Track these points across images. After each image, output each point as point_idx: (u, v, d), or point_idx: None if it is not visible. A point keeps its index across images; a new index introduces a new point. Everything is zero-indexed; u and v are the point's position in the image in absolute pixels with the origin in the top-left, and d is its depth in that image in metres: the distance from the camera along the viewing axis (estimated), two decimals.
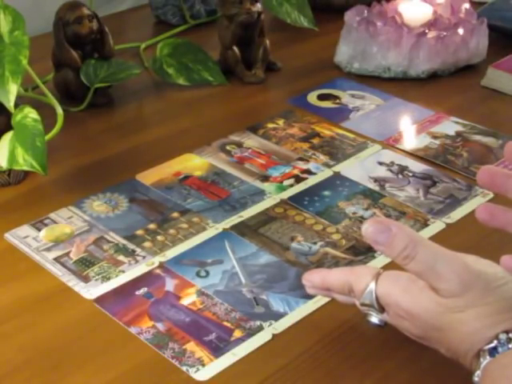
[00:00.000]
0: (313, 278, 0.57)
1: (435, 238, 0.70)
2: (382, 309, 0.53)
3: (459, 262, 0.49)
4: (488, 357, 0.47)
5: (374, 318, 0.53)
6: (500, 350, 0.47)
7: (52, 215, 0.74)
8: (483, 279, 0.49)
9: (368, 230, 0.51)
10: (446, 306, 0.49)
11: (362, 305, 0.54)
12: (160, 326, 0.60)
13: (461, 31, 1.00)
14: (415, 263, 0.50)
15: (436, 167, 0.81)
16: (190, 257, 0.68)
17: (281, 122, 0.91)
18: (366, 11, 1.03)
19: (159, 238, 0.71)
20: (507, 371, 0.46)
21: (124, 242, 0.70)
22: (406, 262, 0.50)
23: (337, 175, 0.80)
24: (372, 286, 0.52)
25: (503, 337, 0.47)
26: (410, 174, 0.80)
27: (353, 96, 0.97)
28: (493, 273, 0.50)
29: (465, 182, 0.78)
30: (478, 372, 0.47)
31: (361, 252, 0.68)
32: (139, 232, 0.71)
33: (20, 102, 0.78)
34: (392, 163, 0.82)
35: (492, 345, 0.47)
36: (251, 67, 1.01)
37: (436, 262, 0.49)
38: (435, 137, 0.87)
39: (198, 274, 0.66)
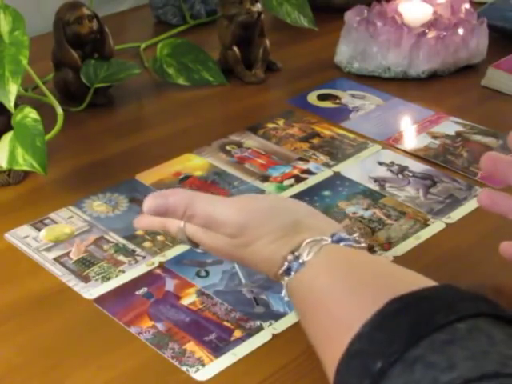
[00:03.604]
0: (154, 201, 0.57)
1: (435, 238, 0.70)
2: (195, 244, 0.58)
3: (234, 207, 0.55)
4: (286, 277, 0.52)
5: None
6: (293, 268, 0.51)
7: (52, 215, 0.74)
8: (257, 216, 0.54)
9: (150, 208, 0.56)
10: (235, 244, 0.54)
11: (181, 240, 0.59)
12: (160, 326, 0.60)
13: (461, 31, 1.00)
14: (197, 219, 0.55)
15: (436, 167, 0.81)
16: (190, 257, 0.68)
17: (281, 122, 0.91)
18: (365, 11, 1.03)
19: (159, 237, 0.71)
20: (304, 287, 0.50)
21: (124, 242, 0.70)
22: (189, 220, 0.56)
23: (337, 175, 0.80)
24: (181, 225, 0.57)
25: (291, 257, 0.51)
26: (410, 174, 0.80)
27: (353, 96, 0.97)
28: (267, 207, 0.55)
29: (465, 181, 0.78)
30: (284, 291, 0.53)
31: None
32: (139, 232, 0.71)
33: (20, 101, 0.78)
34: (392, 163, 0.82)
35: (284, 267, 0.52)
36: (251, 67, 1.01)
37: (214, 212, 0.54)
38: (435, 137, 0.87)
39: (197, 274, 0.66)
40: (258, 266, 0.55)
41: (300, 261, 0.51)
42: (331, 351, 0.45)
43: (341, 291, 0.47)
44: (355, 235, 0.53)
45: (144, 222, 0.60)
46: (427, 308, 0.41)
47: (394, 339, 0.40)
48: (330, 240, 0.52)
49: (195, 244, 0.58)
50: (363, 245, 0.53)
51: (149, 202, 0.56)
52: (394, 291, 0.43)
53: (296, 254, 0.51)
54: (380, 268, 0.50)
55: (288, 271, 0.52)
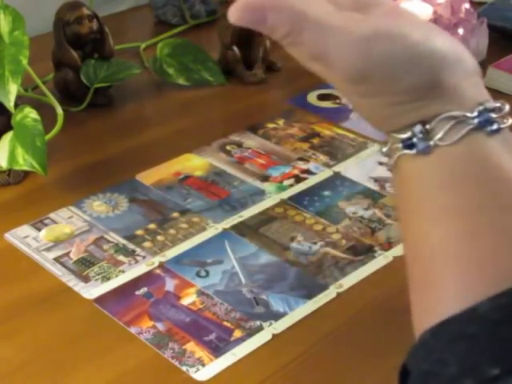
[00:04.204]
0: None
1: None
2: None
3: (357, 47, 0.39)
4: (401, 147, 0.39)
5: None
6: (417, 145, 0.39)
7: (52, 215, 0.74)
8: (387, 68, 0.39)
9: (239, 21, 0.41)
10: (350, 89, 0.41)
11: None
12: (160, 326, 0.60)
13: (461, 31, 1.00)
14: (303, 50, 0.41)
15: None
16: (190, 257, 0.68)
17: (281, 122, 0.91)
18: None
19: (159, 237, 0.71)
20: (425, 189, 0.38)
21: (124, 242, 0.70)
22: (291, 45, 0.41)
23: (337, 175, 0.80)
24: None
25: (418, 128, 0.39)
26: None
27: None
28: (402, 56, 0.39)
29: None
30: (387, 158, 0.41)
31: (361, 252, 0.68)
32: (139, 232, 0.71)
33: (20, 102, 0.78)
34: None
35: (405, 136, 0.39)
36: (251, 67, 1.01)
37: (327, 49, 0.39)
38: None
39: (197, 274, 0.66)
40: (369, 119, 0.42)
41: (430, 142, 0.38)
42: (429, 292, 0.36)
43: (466, 223, 0.36)
44: (505, 108, 0.40)
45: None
46: None
47: None
48: (476, 120, 0.38)
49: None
50: (510, 121, 0.39)
51: (239, 13, 0.41)
52: None
53: (428, 127, 0.38)
54: None
55: (409, 144, 0.39)
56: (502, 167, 0.37)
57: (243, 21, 0.40)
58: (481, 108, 0.38)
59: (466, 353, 0.33)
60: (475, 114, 0.38)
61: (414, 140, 0.39)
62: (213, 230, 0.72)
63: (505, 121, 0.39)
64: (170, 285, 0.65)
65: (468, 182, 0.37)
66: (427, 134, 0.38)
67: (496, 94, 0.97)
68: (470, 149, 0.38)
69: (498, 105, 0.39)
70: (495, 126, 0.38)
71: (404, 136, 0.39)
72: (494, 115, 0.39)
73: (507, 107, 0.39)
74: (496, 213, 0.36)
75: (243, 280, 0.65)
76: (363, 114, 0.42)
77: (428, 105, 0.39)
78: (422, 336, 0.35)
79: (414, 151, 0.39)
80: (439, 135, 0.38)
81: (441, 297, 0.35)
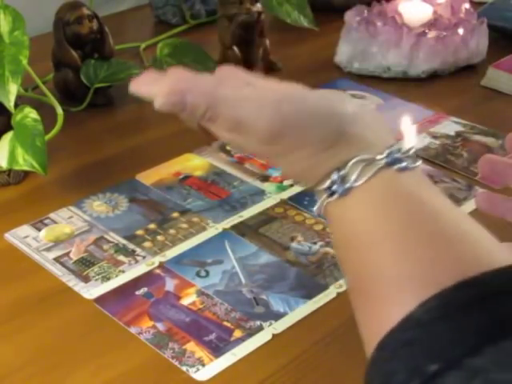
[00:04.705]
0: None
1: None
2: (208, 135, 0.50)
3: (266, 109, 0.44)
4: (325, 196, 0.44)
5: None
6: (337, 191, 0.43)
7: (52, 215, 0.74)
8: (295, 123, 0.44)
9: (163, 106, 0.46)
10: (268, 151, 0.46)
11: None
12: (160, 326, 0.60)
13: (461, 31, 1.00)
14: (221, 123, 0.46)
15: (436, 167, 0.81)
16: (190, 257, 0.68)
17: None
18: (366, 11, 1.03)
19: (159, 237, 0.71)
20: (347, 220, 0.42)
21: (124, 242, 0.70)
22: (211, 121, 0.46)
23: None
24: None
25: (335, 176, 0.43)
26: None
27: (353, 96, 0.97)
28: (306, 112, 0.45)
29: (465, 181, 0.78)
30: (318, 207, 0.45)
31: None
32: (139, 232, 0.71)
33: (20, 101, 0.78)
34: None
35: (325, 185, 0.43)
36: (251, 67, 1.01)
37: (241, 116, 0.45)
38: (435, 137, 0.87)
39: (197, 274, 0.66)
40: (293, 174, 0.48)
41: (347, 185, 0.42)
42: (372, 313, 0.39)
43: (393, 245, 0.40)
44: (411, 151, 0.44)
45: (143, 86, 0.49)
46: (502, 307, 0.35)
47: (459, 340, 0.34)
48: (384, 161, 0.42)
49: (208, 135, 0.49)
50: (419, 163, 0.44)
51: (163, 99, 0.46)
52: (462, 267, 0.37)
53: (342, 173, 0.43)
54: (447, 223, 0.41)
55: (330, 191, 0.43)
56: (413, 193, 0.42)
57: (168, 105, 0.46)
58: (387, 151, 0.43)
59: (408, 357, 0.35)
60: (383, 155, 0.43)
61: (334, 187, 0.43)
62: (213, 230, 0.72)
63: (415, 162, 0.43)
64: (170, 285, 0.65)
65: (386, 211, 0.41)
66: (344, 179, 0.43)
67: (496, 93, 0.97)
68: (382, 183, 0.42)
69: (403, 148, 0.43)
70: (403, 164, 0.43)
71: (325, 186, 0.44)
72: (400, 155, 0.43)
73: (413, 149, 0.44)
74: (416, 231, 0.40)
75: (243, 280, 0.65)
76: (287, 172, 0.47)
77: (339, 152, 0.43)
78: (371, 355, 0.38)
79: (335, 197, 0.43)
80: (353, 177, 0.42)
81: (383, 317, 0.38)
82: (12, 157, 0.74)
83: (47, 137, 0.76)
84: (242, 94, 0.46)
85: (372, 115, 0.47)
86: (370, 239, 0.41)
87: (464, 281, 0.36)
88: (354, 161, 0.43)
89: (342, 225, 0.43)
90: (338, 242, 0.44)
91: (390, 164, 0.42)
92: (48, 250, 0.69)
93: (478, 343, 0.34)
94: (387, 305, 0.38)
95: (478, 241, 0.40)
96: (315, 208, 0.45)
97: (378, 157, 0.42)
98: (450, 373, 0.33)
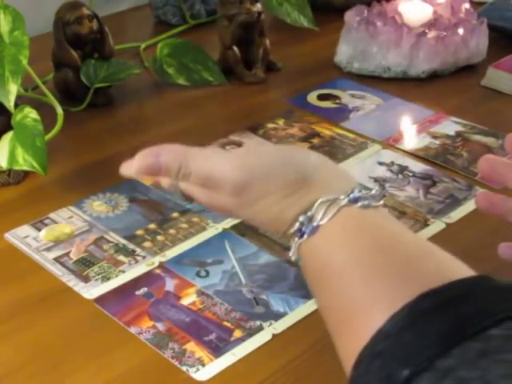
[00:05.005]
0: (146, 159, 0.52)
1: (435, 238, 0.70)
2: (190, 199, 0.53)
3: (233, 163, 0.49)
4: (297, 239, 0.47)
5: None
6: (306, 231, 0.46)
7: (52, 215, 0.74)
8: (259, 173, 0.49)
9: (140, 169, 0.52)
10: (237, 203, 0.49)
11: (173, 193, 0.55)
12: (160, 326, 0.60)
13: (461, 31, 1.00)
14: (194, 178, 0.50)
15: (436, 167, 0.81)
16: (190, 257, 0.68)
17: (281, 122, 0.91)
18: (366, 11, 1.03)
19: (159, 237, 0.71)
20: (318, 256, 0.46)
21: (124, 242, 0.70)
22: (184, 178, 0.51)
23: None
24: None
25: (303, 218, 0.46)
26: (410, 174, 0.80)
27: (353, 96, 0.97)
28: (269, 162, 0.49)
29: (465, 181, 0.78)
30: (292, 251, 0.48)
31: None
32: (139, 232, 0.71)
33: (20, 101, 0.78)
34: (392, 163, 0.82)
35: (295, 228, 0.47)
36: (251, 67, 1.01)
37: (211, 170, 0.49)
38: (435, 137, 0.87)
39: (197, 274, 0.66)
40: (265, 225, 0.51)
41: (314, 224, 0.46)
42: (347, 335, 0.42)
43: (361, 269, 0.43)
44: (373, 191, 0.47)
45: (131, 169, 0.54)
46: (463, 310, 0.38)
47: (425, 345, 0.36)
48: (346, 200, 0.46)
49: (190, 198, 0.53)
50: (381, 202, 0.47)
51: (139, 163, 0.52)
52: (424, 280, 0.39)
53: (309, 214, 0.46)
54: (407, 245, 0.44)
55: (300, 233, 0.47)
56: (376, 222, 0.46)
57: (144, 167, 0.52)
58: (350, 191, 0.46)
59: (380, 368, 0.37)
60: (346, 195, 0.46)
61: (303, 228, 0.46)
62: (213, 230, 0.72)
63: (378, 201, 0.47)
64: (170, 285, 0.65)
65: (352, 240, 0.45)
66: (311, 219, 0.46)
67: (496, 93, 0.97)
68: (346, 217, 0.46)
69: (364, 191, 0.47)
70: (366, 202, 0.46)
71: (295, 228, 0.47)
72: (362, 195, 0.46)
73: (374, 191, 0.47)
74: (382, 254, 0.43)
75: (243, 280, 0.65)
76: (258, 223, 0.51)
77: (305, 196, 0.47)
78: (350, 376, 0.40)
79: (305, 237, 0.46)
80: (320, 216, 0.46)
81: (358, 337, 0.40)
82: (12, 157, 0.74)
83: (47, 137, 0.76)
84: (209, 151, 0.52)
85: (333, 164, 0.51)
86: (340, 268, 0.44)
87: (425, 292, 0.38)
88: (319, 201, 0.46)
89: (313, 260, 0.46)
90: (311, 277, 0.47)
91: (352, 202, 0.46)
92: (48, 250, 0.69)
93: (444, 345, 0.36)
94: (361, 325, 0.40)
95: (440, 259, 0.43)
96: (290, 253, 0.48)
97: (342, 196, 0.46)
98: (422, 375, 0.35)
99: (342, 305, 0.43)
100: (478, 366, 0.35)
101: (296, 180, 0.48)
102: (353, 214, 0.46)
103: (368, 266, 0.43)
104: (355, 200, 0.46)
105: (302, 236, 0.46)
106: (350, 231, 0.45)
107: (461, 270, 0.42)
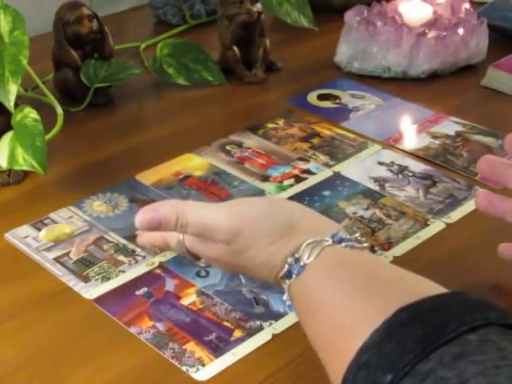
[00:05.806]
0: (145, 215, 0.57)
1: (435, 238, 0.70)
2: (196, 257, 0.58)
3: (225, 212, 0.54)
4: (287, 281, 0.51)
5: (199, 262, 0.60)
6: (294, 271, 0.50)
7: (52, 215, 0.74)
8: (250, 219, 0.53)
9: (142, 223, 0.56)
10: (231, 251, 0.54)
11: (182, 254, 0.60)
12: (160, 326, 0.60)
13: (461, 31, 1.00)
14: (190, 227, 0.55)
15: (436, 167, 0.81)
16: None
17: (281, 122, 0.91)
18: (366, 11, 1.03)
19: None
20: (306, 291, 0.49)
21: (124, 242, 0.70)
22: (183, 230, 0.55)
23: (337, 175, 0.80)
24: (180, 237, 0.57)
25: (291, 260, 0.51)
26: (410, 174, 0.80)
27: (353, 96, 0.97)
28: (259, 210, 0.55)
29: (465, 181, 0.78)
30: (286, 295, 0.52)
31: None
32: (139, 232, 0.71)
33: (20, 101, 0.78)
34: (392, 163, 0.82)
35: (284, 270, 0.51)
36: (251, 67, 1.01)
37: (205, 218, 0.54)
38: (435, 137, 0.87)
39: (197, 274, 0.66)
40: (257, 272, 0.54)
41: (301, 263, 0.50)
42: (335, 357, 0.45)
43: (344, 295, 0.46)
44: (356, 235, 0.52)
45: (146, 238, 0.61)
46: (438, 319, 0.41)
47: (405, 351, 0.39)
48: (330, 241, 0.51)
49: (196, 257, 0.58)
50: (365, 245, 0.52)
51: (140, 217, 0.56)
52: (401, 299, 0.43)
53: (296, 255, 0.50)
54: (385, 272, 0.49)
55: (289, 274, 0.51)
56: (359, 256, 0.50)
57: (145, 222, 0.56)
58: (334, 233, 0.51)
59: (366, 376, 0.40)
60: (330, 237, 0.51)
61: (292, 269, 0.50)
62: None
63: (361, 244, 0.51)
64: (170, 285, 0.65)
65: (337, 273, 0.48)
66: (298, 260, 0.50)
67: (496, 93, 0.97)
68: (331, 254, 0.50)
69: (349, 235, 0.51)
70: (350, 243, 0.51)
71: (285, 271, 0.51)
72: (345, 236, 0.51)
73: (357, 234, 0.51)
74: (365, 280, 0.47)
75: (243, 280, 0.65)
76: (251, 269, 0.54)
77: (292, 240, 0.52)
78: None
79: (294, 277, 0.50)
80: (306, 256, 0.50)
81: (345, 356, 0.42)
82: (12, 157, 0.74)
83: (47, 137, 0.76)
84: (204, 203, 0.58)
85: (317, 213, 0.56)
86: (324, 296, 0.47)
87: (403, 307, 0.42)
88: (305, 243, 0.50)
89: (301, 296, 0.50)
90: (300, 312, 0.51)
91: (337, 242, 0.51)
92: (48, 250, 0.69)
93: (423, 351, 0.39)
94: (347, 346, 0.43)
95: (416, 280, 0.47)
96: (284, 297, 0.52)
97: (326, 238, 0.51)
98: (404, 379, 0.38)
99: (329, 330, 0.46)
100: (455, 367, 0.37)
101: (283, 226, 0.53)
102: (337, 249, 0.50)
103: (350, 291, 0.46)
104: (339, 241, 0.51)
105: (290, 277, 0.50)
106: (334, 262, 0.49)
107: (435, 289, 0.45)
